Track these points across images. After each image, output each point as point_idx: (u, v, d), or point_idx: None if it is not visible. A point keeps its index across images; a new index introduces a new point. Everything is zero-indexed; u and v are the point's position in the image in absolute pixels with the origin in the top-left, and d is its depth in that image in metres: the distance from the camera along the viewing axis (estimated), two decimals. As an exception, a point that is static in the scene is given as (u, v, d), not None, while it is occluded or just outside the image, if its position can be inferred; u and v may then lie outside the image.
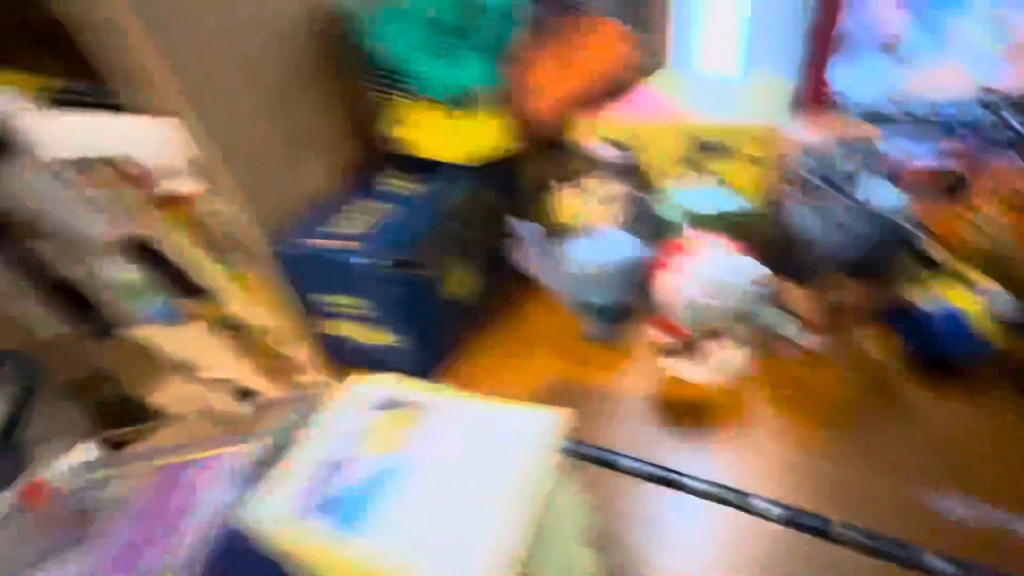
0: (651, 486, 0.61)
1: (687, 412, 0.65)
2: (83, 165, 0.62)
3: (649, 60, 0.87)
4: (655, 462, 0.62)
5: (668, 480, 0.61)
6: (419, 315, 0.65)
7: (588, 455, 0.64)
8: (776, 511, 0.56)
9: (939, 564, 0.49)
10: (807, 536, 0.55)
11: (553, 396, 0.68)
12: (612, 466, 0.63)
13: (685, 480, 0.60)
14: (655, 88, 0.78)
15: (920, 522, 0.53)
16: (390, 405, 0.39)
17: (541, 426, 0.36)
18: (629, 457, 0.63)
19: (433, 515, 0.32)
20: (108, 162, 0.62)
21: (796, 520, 0.56)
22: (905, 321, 0.61)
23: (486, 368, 0.73)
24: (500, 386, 0.70)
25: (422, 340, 0.67)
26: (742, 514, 0.57)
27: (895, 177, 0.63)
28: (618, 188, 0.72)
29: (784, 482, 0.58)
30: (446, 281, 0.69)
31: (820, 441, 0.59)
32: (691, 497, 0.60)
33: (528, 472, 0.33)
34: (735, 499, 0.58)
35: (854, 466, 0.57)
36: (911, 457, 0.56)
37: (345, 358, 0.72)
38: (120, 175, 0.63)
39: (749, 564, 0.55)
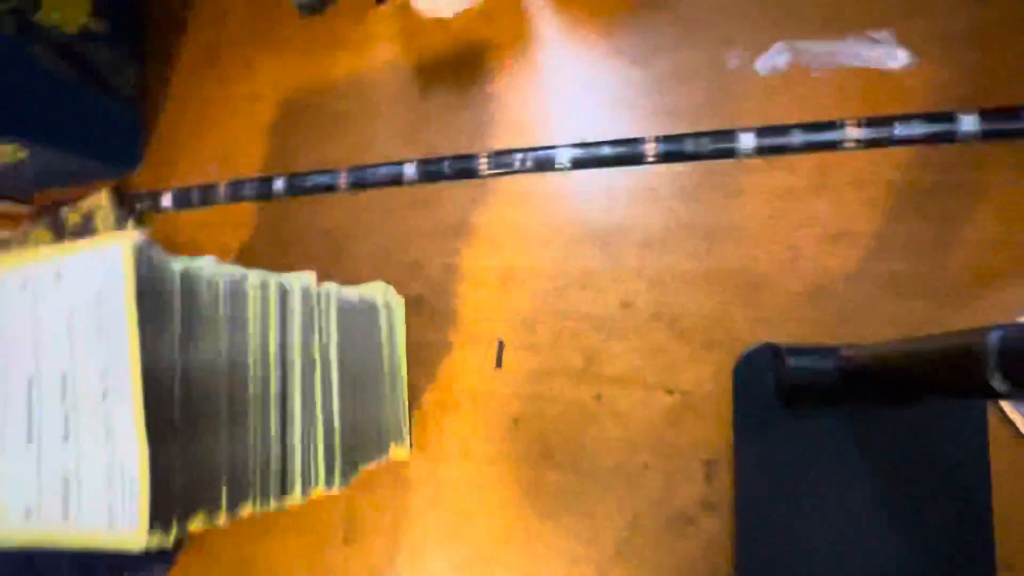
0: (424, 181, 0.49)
1: (452, 61, 0.50)
2: None
3: None
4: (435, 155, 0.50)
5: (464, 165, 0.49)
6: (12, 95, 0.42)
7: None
8: (572, 154, 0.47)
9: (752, 140, 0.41)
10: (619, 168, 0.46)
11: (292, 120, 0.52)
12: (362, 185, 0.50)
13: (476, 162, 0.49)
14: None
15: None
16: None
17: (110, 270, 0.25)
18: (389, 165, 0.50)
19: (42, 452, 0.25)
20: None
21: (598, 156, 0.47)
22: None
23: (193, 127, 0.55)
24: (223, 142, 0.53)
25: (55, 134, 0.45)
26: (544, 171, 0.47)
27: None
28: None
29: (582, 109, 0.47)
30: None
31: (621, 28, 0.46)
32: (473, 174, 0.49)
33: (115, 333, 0.24)
34: (530, 161, 0.48)
35: (665, 39, 0.45)
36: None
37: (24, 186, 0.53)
38: None
39: (559, 219, 0.47)
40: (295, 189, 0.51)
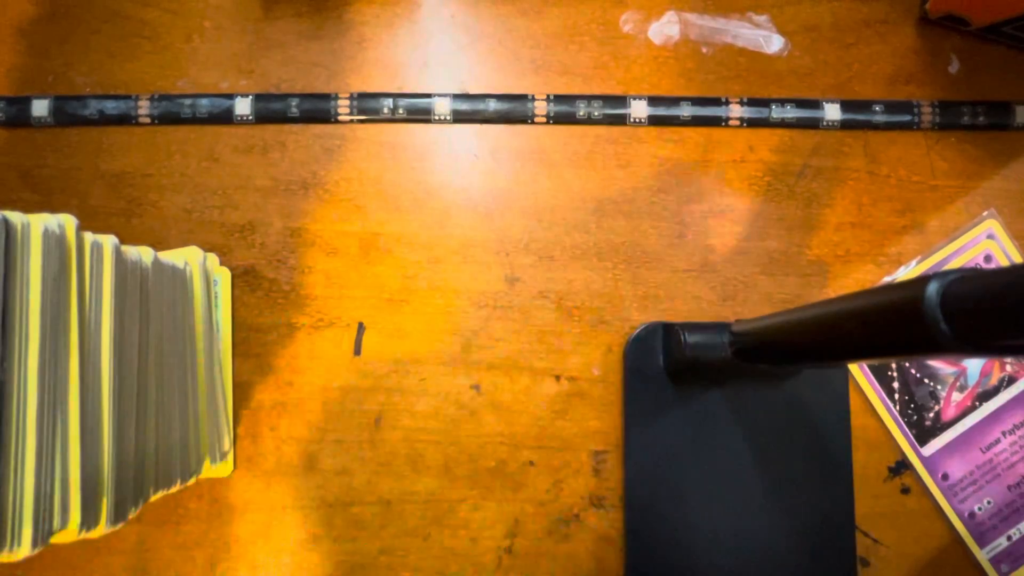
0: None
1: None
2: None
3: None
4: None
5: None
6: None
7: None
8: (453, 104, 0.41)
9: (644, 108, 0.40)
10: (506, 126, 0.41)
11: (67, 24, 0.39)
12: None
13: (334, 104, 0.41)
14: None
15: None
16: None
17: None
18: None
19: None
20: None
21: (483, 109, 0.41)
22: None
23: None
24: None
25: None
26: (418, 122, 0.40)
27: None
28: None
29: (462, 57, 0.41)
30: None
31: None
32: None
33: None
34: (402, 109, 0.40)
35: None
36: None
37: None
38: None
39: (435, 179, 0.40)
40: (66, 115, 0.37)
